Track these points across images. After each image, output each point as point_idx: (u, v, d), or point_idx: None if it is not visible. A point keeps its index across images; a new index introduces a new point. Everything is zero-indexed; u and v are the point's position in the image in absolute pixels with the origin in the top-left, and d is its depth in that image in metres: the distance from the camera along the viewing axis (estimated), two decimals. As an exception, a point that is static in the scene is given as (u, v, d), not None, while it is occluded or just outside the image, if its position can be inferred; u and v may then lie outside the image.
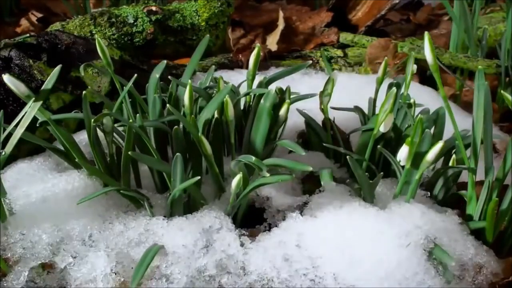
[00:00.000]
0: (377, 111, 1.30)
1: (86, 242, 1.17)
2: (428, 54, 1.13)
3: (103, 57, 1.27)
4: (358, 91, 1.49)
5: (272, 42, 2.22)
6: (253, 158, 1.15)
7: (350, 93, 1.56)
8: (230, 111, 1.26)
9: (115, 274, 1.10)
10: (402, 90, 1.41)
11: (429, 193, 1.31)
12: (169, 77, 1.38)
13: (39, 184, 1.27)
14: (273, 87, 1.37)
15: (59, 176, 1.30)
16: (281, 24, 2.31)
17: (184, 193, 1.21)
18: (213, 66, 1.52)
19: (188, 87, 1.24)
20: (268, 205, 1.31)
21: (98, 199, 1.23)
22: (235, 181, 1.14)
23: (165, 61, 1.43)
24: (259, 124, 1.27)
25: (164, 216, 1.22)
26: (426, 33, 1.11)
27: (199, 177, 1.16)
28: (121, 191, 1.20)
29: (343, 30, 2.27)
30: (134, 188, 1.27)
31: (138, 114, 1.26)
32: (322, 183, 1.25)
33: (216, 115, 1.29)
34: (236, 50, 2.12)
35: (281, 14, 2.35)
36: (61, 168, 1.36)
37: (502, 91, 1.14)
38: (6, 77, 1.12)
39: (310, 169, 1.15)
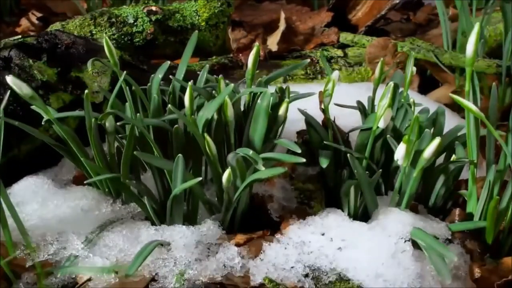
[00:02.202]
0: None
1: (87, 244, 1.18)
2: (470, 46, 1.12)
3: (111, 57, 1.28)
4: (358, 97, 1.49)
5: (273, 42, 2.22)
6: (250, 151, 1.15)
7: (351, 98, 1.56)
8: (230, 112, 1.26)
9: (115, 273, 1.11)
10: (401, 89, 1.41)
11: (428, 190, 1.32)
12: (170, 76, 1.39)
13: (44, 193, 1.32)
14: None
15: (63, 188, 1.35)
16: (282, 25, 2.30)
17: (185, 200, 1.22)
18: (207, 65, 1.51)
19: (188, 89, 1.24)
20: (268, 206, 1.32)
21: (100, 204, 1.28)
22: (225, 176, 1.15)
23: (168, 62, 1.44)
24: (257, 124, 1.27)
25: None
26: (477, 24, 1.10)
27: (200, 178, 1.17)
28: (123, 182, 1.21)
29: (343, 30, 2.27)
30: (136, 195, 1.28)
31: (138, 114, 1.26)
32: (322, 166, 1.27)
33: (216, 116, 1.29)
34: (237, 50, 2.12)
35: (282, 15, 2.35)
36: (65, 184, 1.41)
37: (450, 94, 1.16)
38: (9, 79, 1.12)
39: (303, 160, 1.16)
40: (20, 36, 1.56)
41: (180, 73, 1.44)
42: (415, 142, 1.18)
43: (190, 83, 1.27)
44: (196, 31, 1.51)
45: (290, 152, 1.27)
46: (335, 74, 1.34)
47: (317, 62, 2.04)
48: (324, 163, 1.27)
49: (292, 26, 2.35)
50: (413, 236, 1.15)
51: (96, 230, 1.21)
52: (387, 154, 1.35)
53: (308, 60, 1.64)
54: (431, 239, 1.12)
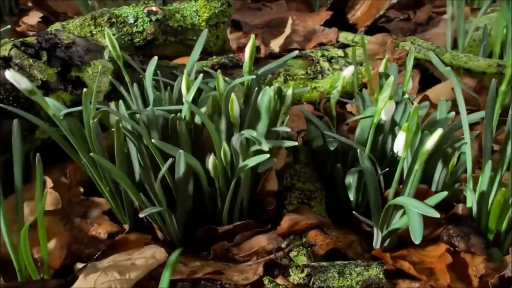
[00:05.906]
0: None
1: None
2: None
3: (113, 51, 1.29)
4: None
5: (276, 45, 2.24)
6: (255, 132, 1.16)
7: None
8: (236, 111, 1.24)
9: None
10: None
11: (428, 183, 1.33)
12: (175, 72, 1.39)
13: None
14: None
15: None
16: (288, 30, 2.31)
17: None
18: (201, 74, 1.42)
19: (184, 76, 1.23)
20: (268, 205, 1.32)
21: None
22: (211, 162, 1.17)
23: (156, 57, 1.45)
24: (258, 120, 1.27)
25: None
26: None
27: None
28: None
29: (342, 30, 2.27)
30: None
31: (150, 107, 1.26)
32: (331, 149, 1.34)
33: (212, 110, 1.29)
34: (237, 49, 2.12)
35: (290, 20, 2.35)
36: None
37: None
38: (8, 73, 1.12)
39: (297, 143, 1.20)
40: (20, 36, 1.56)
41: (191, 70, 1.44)
42: (418, 139, 1.18)
43: (185, 71, 1.27)
44: (206, 29, 1.51)
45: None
46: (348, 70, 1.36)
47: (318, 61, 2.04)
48: (332, 146, 1.34)
49: (292, 26, 2.35)
50: (398, 202, 1.16)
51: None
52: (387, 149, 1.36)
53: (297, 52, 1.65)
54: (415, 201, 1.12)
